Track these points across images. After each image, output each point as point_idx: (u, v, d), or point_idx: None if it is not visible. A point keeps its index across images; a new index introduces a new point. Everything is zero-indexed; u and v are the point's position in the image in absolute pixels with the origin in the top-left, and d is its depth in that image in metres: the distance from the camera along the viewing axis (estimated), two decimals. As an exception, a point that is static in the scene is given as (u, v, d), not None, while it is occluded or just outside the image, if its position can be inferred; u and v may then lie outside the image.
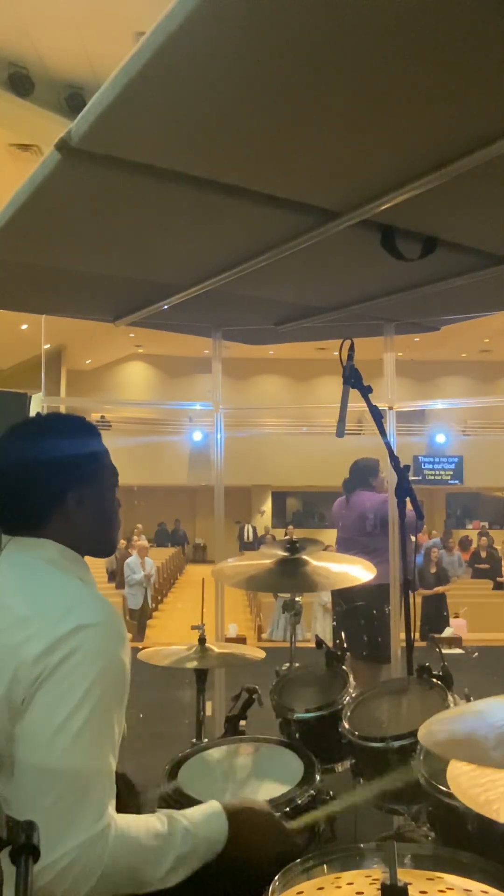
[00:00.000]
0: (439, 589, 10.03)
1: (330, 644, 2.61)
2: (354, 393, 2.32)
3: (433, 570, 10.22)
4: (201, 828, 1.27)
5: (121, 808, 1.25)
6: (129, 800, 1.51)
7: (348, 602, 4.30)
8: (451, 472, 19.08)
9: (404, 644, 2.49)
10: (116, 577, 12.91)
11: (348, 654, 4.04)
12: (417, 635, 2.42)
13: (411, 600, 2.41)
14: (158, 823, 1.23)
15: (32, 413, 3.02)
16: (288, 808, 1.59)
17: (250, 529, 20.44)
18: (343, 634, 4.33)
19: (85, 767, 1.14)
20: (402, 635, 2.54)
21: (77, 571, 1.34)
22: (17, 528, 1.36)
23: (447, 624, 9.60)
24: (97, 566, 13.03)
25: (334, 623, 4.60)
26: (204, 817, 1.30)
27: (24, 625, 1.19)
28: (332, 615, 4.88)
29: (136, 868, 1.17)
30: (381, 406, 3.15)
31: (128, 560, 11.23)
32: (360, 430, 11.84)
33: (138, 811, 1.45)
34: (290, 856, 1.32)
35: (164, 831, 1.22)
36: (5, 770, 1.16)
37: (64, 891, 1.09)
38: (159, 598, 14.17)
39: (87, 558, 1.45)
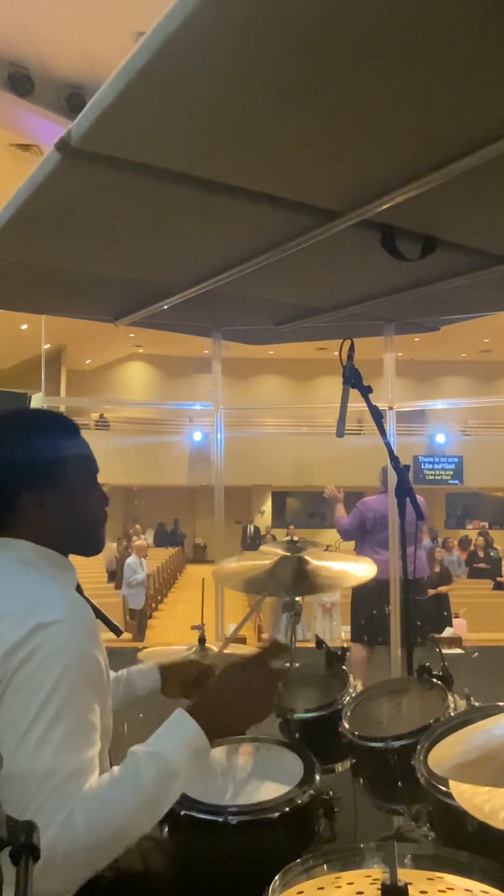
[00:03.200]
0: (442, 589, 10.00)
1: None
2: (354, 393, 2.31)
3: (437, 569, 10.19)
4: (167, 742, 1.24)
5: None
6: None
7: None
8: (451, 472, 19.06)
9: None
10: (116, 577, 12.88)
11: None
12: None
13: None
14: (121, 768, 1.20)
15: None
16: (288, 809, 1.59)
17: (252, 529, 20.37)
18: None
19: (55, 769, 1.11)
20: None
21: (51, 568, 1.32)
22: None
23: (450, 624, 9.58)
24: (97, 567, 13.04)
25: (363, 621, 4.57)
26: (166, 729, 1.26)
27: None
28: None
29: (120, 823, 1.15)
30: (381, 406, 3.15)
31: (128, 560, 11.25)
32: (360, 430, 11.84)
33: None
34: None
35: (128, 775, 1.18)
36: None
37: (58, 876, 1.08)
38: (159, 598, 14.16)
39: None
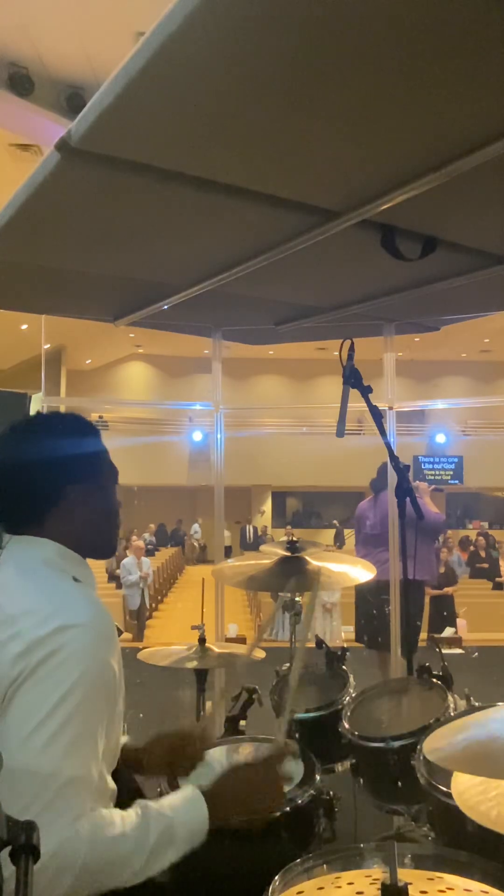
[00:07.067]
0: (448, 589, 9.98)
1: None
2: (354, 393, 2.32)
3: (442, 569, 10.17)
4: (179, 813, 1.25)
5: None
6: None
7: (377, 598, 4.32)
8: (451, 472, 19.04)
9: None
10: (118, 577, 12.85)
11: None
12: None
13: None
14: (133, 815, 1.21)
15: (32, 413, 3.01)
16: (288, 808, 1.59)
17: (251, 530, 20.35)
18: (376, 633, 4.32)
19: (60, 771, 1.11)
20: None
21: (74, 571, 1.34)
22: (18, 526, 1.36)
23: (454, 624, 9.57)
24: (98, 567, 13.03)
25: (363, 621, 4.59)
26: (181, 802, 1.28)
27: (10, 624, 1.19)
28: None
29: (113, 863, 1.16)
30: (381, 406, 3.15)
31: (124, 561, 11.23)
32: (360, 430, 11.84)
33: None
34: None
35: (138, 822, 1.20)
36: None
37: (39, 893, 1.07)
38: (159, 598, 14.16)
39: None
